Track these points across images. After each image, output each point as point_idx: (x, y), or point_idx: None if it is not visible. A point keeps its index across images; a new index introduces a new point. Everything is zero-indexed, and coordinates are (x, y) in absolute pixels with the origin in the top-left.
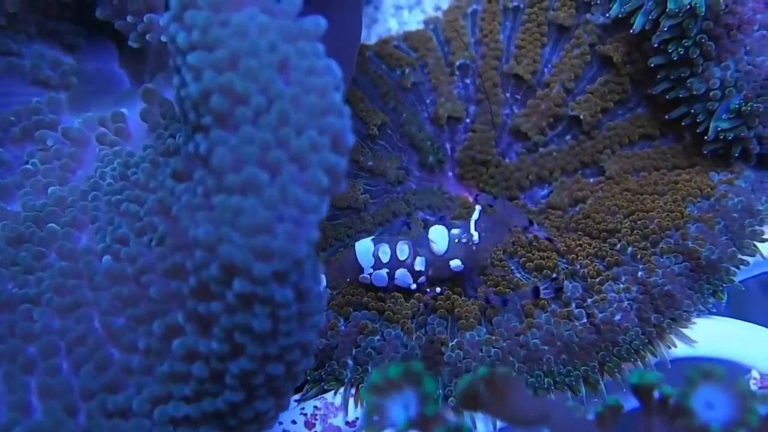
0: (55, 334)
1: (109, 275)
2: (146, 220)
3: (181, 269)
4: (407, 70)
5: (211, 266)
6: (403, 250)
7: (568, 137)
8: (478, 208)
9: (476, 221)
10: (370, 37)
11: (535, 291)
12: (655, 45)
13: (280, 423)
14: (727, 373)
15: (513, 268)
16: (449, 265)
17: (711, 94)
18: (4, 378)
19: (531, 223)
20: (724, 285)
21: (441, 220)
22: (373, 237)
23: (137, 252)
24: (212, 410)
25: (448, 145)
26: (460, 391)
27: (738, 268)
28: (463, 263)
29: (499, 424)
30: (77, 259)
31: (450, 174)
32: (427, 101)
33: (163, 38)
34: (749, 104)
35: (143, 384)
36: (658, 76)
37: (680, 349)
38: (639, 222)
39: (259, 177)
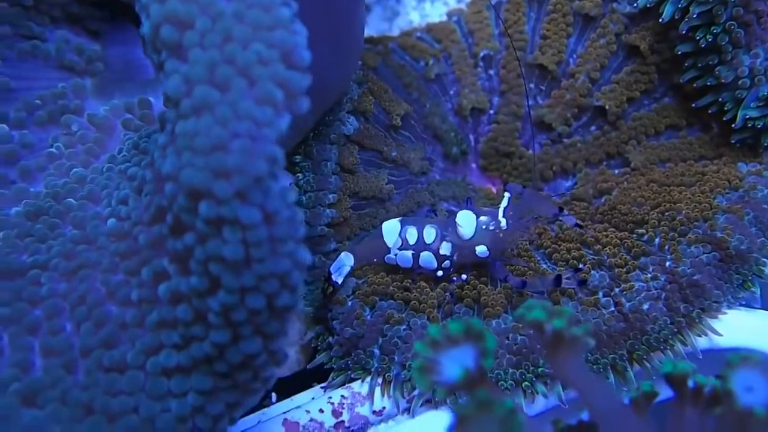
0: (59, 296)
1: (111, 235)
2: (140, 175)
3: (162, 211)
4: (431, 62)
5: (179, 196)
6: (429, 234)
7: (592, 128)
8: (507, 195)
9: (505, 208)
10: (392, 29)
11: (558, 279)
12: (683, 32)
13: (308, 411)
14: (764, 358)
15: (539, 258)
16: (475, 251)
17: (740, 82)
18: (9, 339)
19: (561, 210)
20: (753, 275)
21: (468, 205)
22: (400, 218)
23: (133, 207)
24: (201, 355)
25: (471, 137)
26: (528, 317)
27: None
28: (489, 249)
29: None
30: (86, 226)
31: (473, 165)
32: (451, 92)
33: None
34: None
35: (136, 336)
36: (686, 64)
37: (710, 340)
38: (666, 213)
39: (210, 96)
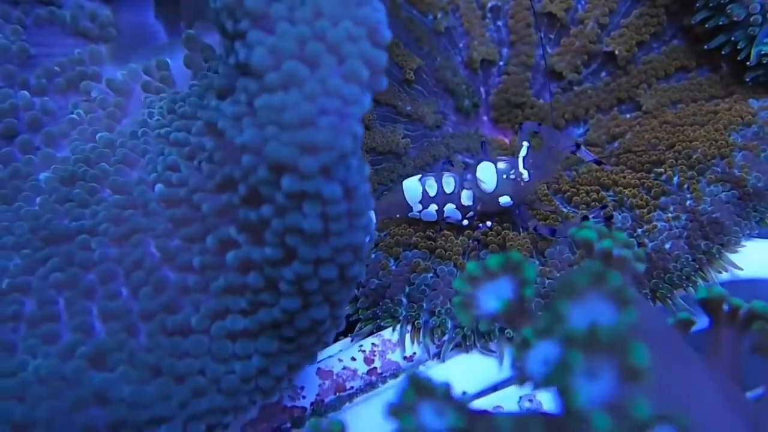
0: (112, 261)
1: (163, 201)
2: (194, 142)
3: (231, 181)
4: (439, 15)
5: (259, 169)
6: (449, 183)
7: (603, 74)
8: (525, 144)
9: (524, 158)
10: None
11: (584, 219)
12: None
13: (340, 360)
14: None
15: (559, 203)
16: (498, 201)
17: (751, 19)
18: (66, 304)
19: (578, 146)
20: None
21: (485, 154)
22: (419, 176)
23: (188, 174)
24: (269, 321)
25: (482, 89)
26: (580, 236)
27: None
28: (512, 199)
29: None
30: (130, 192)
31: (485, 118)
32: (460, 45)
33: None
34: None
35: (200, 301)
36: (697, 5)
37: (731, 273)
38: (683, 152)
39: (299, 71)
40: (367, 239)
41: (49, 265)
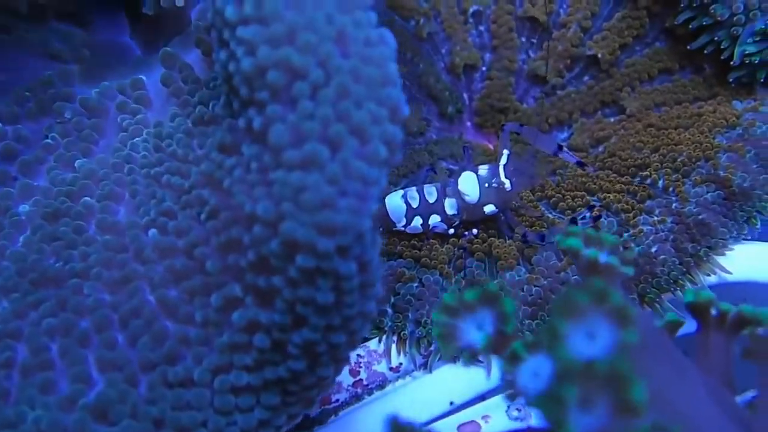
0: (107, 308)
1: (158, 248)
2: (194, 193)
3: (238, 243)
4: (421, 21)
5: (272, 242)
6: (430, 193)
7: (586, 78)
8: (506, 152)
9: (505, 166)
10: None
11: (573, 222)
12: None
13: None
14: None
15: (544, 209)
16: (483, 210)
17: (735, 18)
18: (61, 351)
19: (560, 148)
20: (757, 212)
21: (467, 161)
22: (401, 192)
23: (187, 225)
24: (274, 378)
25: (465, 95)
26: (566, 244)
27: None
28: (496, 207)
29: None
30: (121, 233)
31: (468, 124)
32: (443, 51)
33: (203, 16)
34: None
35: (202, 355)
36: (681, 5)
37: (719, 276)
38: (668, 155)
39: (320, 153)
40: (377, 304)
41: (41, 311)
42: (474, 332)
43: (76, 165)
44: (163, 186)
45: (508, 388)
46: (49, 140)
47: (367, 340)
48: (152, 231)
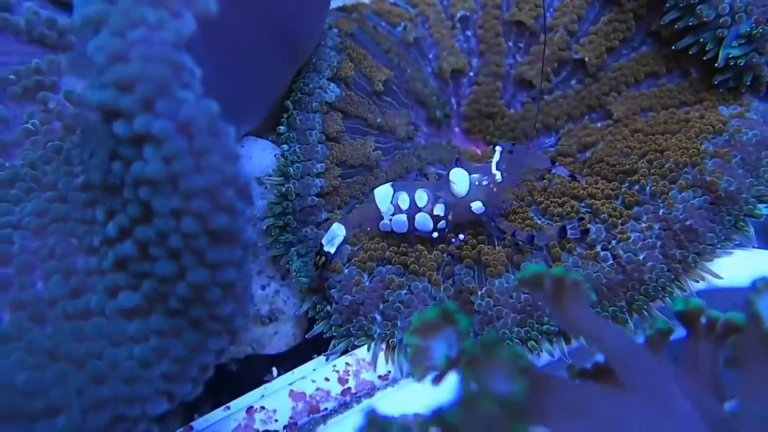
0: (30, 253)
1: (81, 188)
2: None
3: (93, 153)
4: (408, 26)
5: (94, 122)
6: (421, 197)
7: (573, 82)
8: (498, 149)
9: (497, 162)
10: None
11: (562, 230)
12: None
13: (313, 381)
14: None
15: (533, 215)
16: (470, 208)
17: (721, 20)
18: None
19: (553, 162)
20: (744, 215)
21: (458, 163)
22: (391, 183)
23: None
24: (153, 293)
25: (453, 100)
26: (526, 275)
27: (757, 198)
28: (484, 205)
29: (566, 348)
30: (58, 185)
31: (456, 129)
32: (430, 56)
33: None
34: (760, 28)
35: (97, 282)
36: (667, 5)
37: (708, 282)
38: (655, 161)
39: (101, 9)
40: (225, 183)
41: None
42: (443, 351)
43: (47, 146)
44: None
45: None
46: (29, 125)
47: (356, 347)
48: (81, 176)
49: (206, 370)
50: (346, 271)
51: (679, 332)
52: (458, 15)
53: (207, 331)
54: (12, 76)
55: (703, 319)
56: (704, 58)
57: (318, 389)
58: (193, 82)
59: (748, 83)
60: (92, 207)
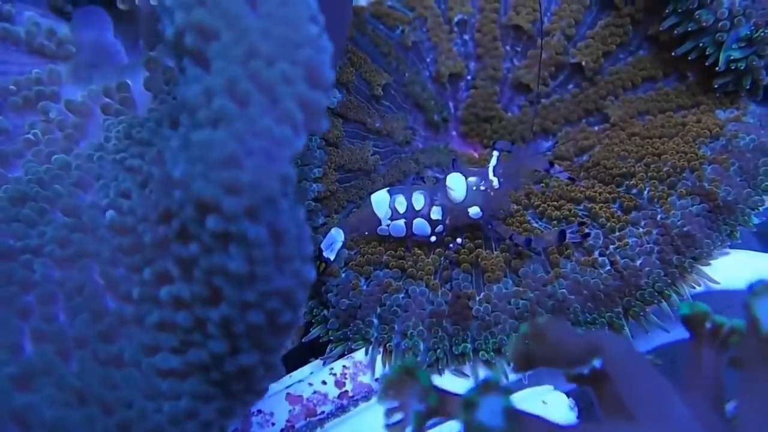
0: (54, 284)
1: (112, 228)
2: (145, 170)
3: (169, 214)
4: (407, 29)
5: (187, 206)
6: (418, 200)
7: (570, 86)
8: (495, 153)
9: (494, 167)
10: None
11: (562, 234)
12: None
13: (311, 384)
14: None
15: (531, 219)
16: (468, 213)
17: (720, 24)
18: None
19: (551, 165)
20: (739, 225)
21: (455, 167)
22: (388, 188)
23: (138, 203)
24: (197, 362)
25: (451, 103)
26: (513, 356)
27: (753, 209)
28: (482, 210)
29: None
30: (81, 215)
31: (454, 133)
32: (428, 60)
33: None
34: (760, 31)
35: (135, 334)
36: (667, 11)
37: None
38: (653, 165)
39: (227, 109)
40: (300, 286)
41: None
42: (415, 405)
43: (52, 159)
44: (126, 169)
45: None
46: (30, 136)
47: (354, 350)
48: (110, 212)
49: (226, 429)
50: (343, 275)
51: (677, 334)
52: (456, 18)
53: (240, 399)
54: (12, 86)
55: (708, 324)
56: (706, 64)
57: (315, 392)
58: (291, 191)
59: (747, 87)
60: (131, 256)
